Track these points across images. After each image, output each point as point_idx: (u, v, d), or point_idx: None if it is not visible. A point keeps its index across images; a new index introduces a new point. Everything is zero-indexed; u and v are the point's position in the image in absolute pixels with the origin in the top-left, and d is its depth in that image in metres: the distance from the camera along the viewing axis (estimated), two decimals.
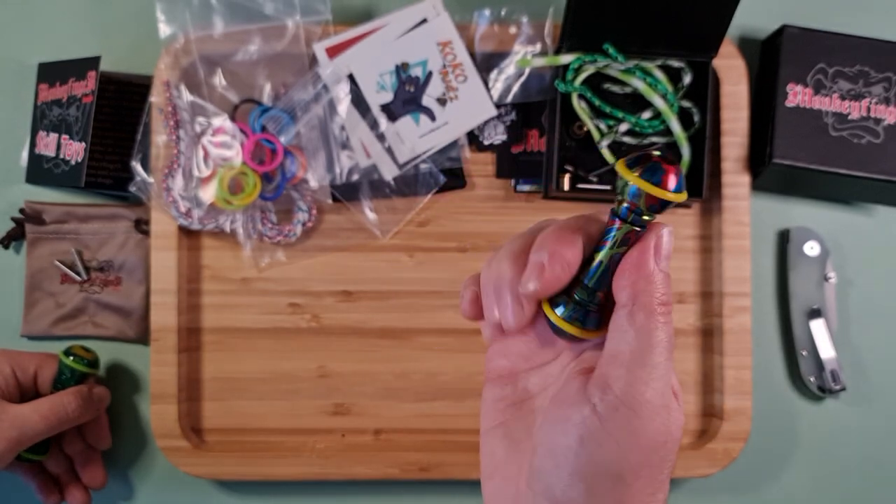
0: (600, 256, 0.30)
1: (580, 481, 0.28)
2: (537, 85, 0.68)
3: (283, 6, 0.66)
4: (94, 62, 0.66)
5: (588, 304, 0.31)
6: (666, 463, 0.29)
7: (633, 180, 0.29)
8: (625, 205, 0.29)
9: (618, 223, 0.30)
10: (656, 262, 0.29)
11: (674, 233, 0.30)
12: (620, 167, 0.29)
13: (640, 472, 0.28)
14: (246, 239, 0.67)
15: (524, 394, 0.33)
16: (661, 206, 0.29)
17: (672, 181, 0.28)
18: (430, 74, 0.67)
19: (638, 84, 0.65)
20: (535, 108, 0.68)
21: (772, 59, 0.67)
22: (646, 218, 0.29)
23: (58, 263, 0.70)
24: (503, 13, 0.68)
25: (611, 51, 0.64)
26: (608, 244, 0.30)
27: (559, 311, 0.31)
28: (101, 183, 0.67)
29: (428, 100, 0.67)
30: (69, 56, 0.68)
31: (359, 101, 0.67)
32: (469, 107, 0.67)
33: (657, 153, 0.29)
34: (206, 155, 0.66)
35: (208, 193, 0.66)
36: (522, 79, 0.68)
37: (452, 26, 0.67)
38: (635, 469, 0.28)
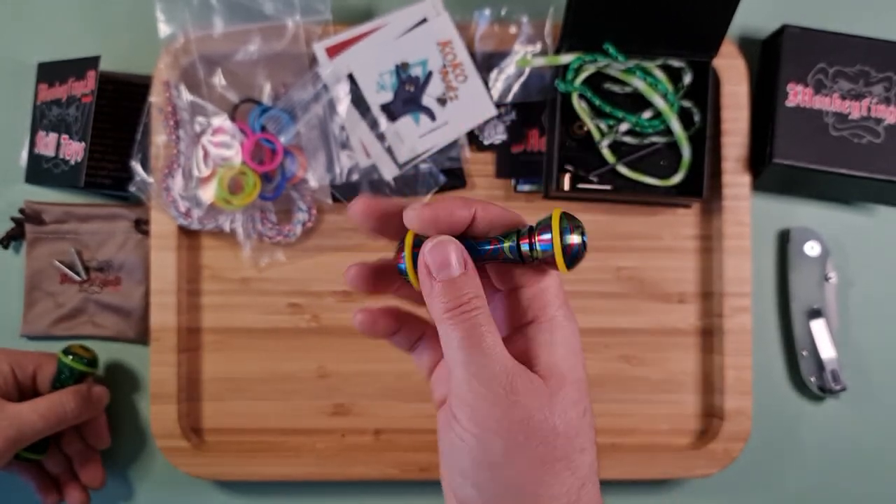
0: (479, 251, 0.32)
1: (464, 479, 0.30)
2: (537, 84, 0.68)
3: (282, 6, 0.66)
4: (93, 62, 0.66)
5: None
6: (553, 433, 0.30)
7: (556, 249, 0.30)
8: (533, 249, 0.31)
9: (511, 250, 0.32)
10: (430, 279, 0.31)
11: (442, 245, 0.31)
12: (556, 226, 0.31)
13: (515, 455, 0.29)
14: (246, 239, 0.67)
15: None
16: (541, 263, 0.31)
17: (576, 259, 0.31)
18: (430, 74, 0.67)
19: (638, 84, 0.65)
20: (535, 108, 0.68)
21: (772, 58, 0.67)
22: (531, 264, 0.32)
23: (57, 263, 0.69)
24: (503, 13, 0.67)
25: (611, 50, 0.64)
26: (490, 251, 0.32)
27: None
28: (101, 183, 0.67)
29: (428, 99, 0.67)
30: (69, 56, 0.68)
31: (359, 101, 0.67)
32: (469, 106, 0.67)
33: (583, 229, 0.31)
34: (206, 155, 0.66)
35: (208, 193, 0.66)
36: (522, 78, 0.68)
37: (452, 26, 0.67)
38: (506, 452, 0.29)
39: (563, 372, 0.31)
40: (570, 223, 0.30)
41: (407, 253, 0.32)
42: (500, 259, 0.32)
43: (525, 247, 0.31)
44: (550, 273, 0.33)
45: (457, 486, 0.31)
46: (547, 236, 0.30)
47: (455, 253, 0.31)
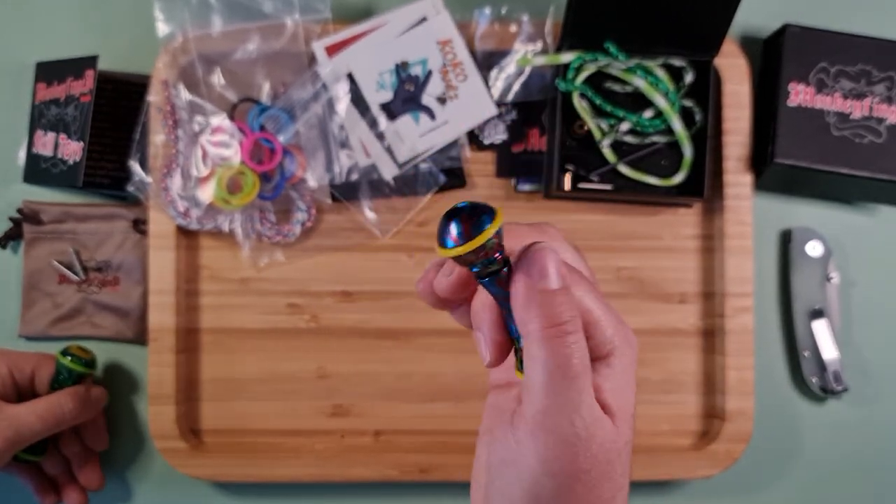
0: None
1: (506, 499, 0.29)
2: (538, 84, 0.67)
3: (282, 5, 0.66)
4: (92, 61, 0.66)
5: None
6: (606, 477, 0.28)
7: (439, 251, 0.28)
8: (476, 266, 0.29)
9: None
10: (529, 286, 0.28)
11: (553, 251, 0.28)
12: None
13: (565, 499, 0.28)
14: (244, 239, 0.67)
15: (515, 403, 0.32)
16: (476, 255, 0.28)
17: (450, 236, 0.27)
18: (429, 73, 0.67)
19: (639, 83, 0.65)
20: (535, 107, 0.68)
21: (774, 58, 0.67)
22: (484, 273, 0.29)
23: (56, 263, 0.69)
24: (503, 11, 0.67)
25: (612, 49, 0.64)
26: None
27: None
28: (99, 183, 0.67)
29: (428, 99, 0.67)
30: (67, 55, 0.68)
31: (358, 100, 0.67)
32: (469, 106, 0.67)
33: (456, 206, 0.28)
34: (205, 154, 0.66)
35: (207, 193, 0.65)
36: (523, 77, 0.67)
37: (452, 25, 0.67)
38: (562, 489, 0.28)
39: (624, 407, 0.30)
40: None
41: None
42: (493, 291, 0.30)
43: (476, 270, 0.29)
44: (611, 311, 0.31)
45: (493, 499, 0.30)
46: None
47: (555, 263, 0.28)
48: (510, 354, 0.32)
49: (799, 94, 0.65)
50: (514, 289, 0.28)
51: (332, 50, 0.66)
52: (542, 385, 0.27)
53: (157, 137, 0.67)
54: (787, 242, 0.70)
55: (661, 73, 0.65)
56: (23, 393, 0.63)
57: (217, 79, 0.67)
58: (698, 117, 0.66)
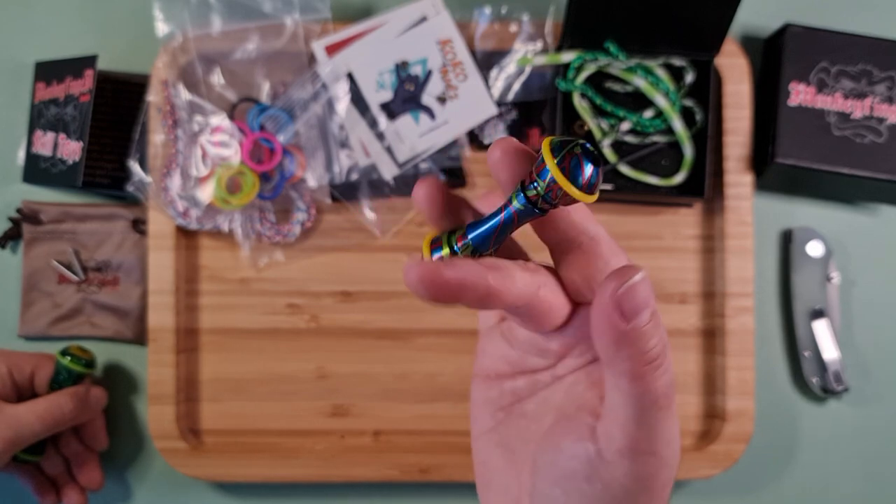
0: (491, 223, 0.28)
1: None
2: (538, 83, 0.67)
3: (281, 4, 0.66)
4: (91, 61, 0.66)
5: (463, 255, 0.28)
6: (668, 489, 0.29)
7: (551, 169, 0.26)
8: (535, 185, 0.27)
9: (519, 200, 0.27)
10: (625, 321, 0.25)
11: (647, 276, 0.26)
12: (546, 149, 0.26)
13: (655, 501, 0.28)
14: (244, 239, 0.67)
15: (512, 397, 0.32)
16: (568, 201, 0.26)
17: (585, 177, 0.25)
18: (429, 73, 0.67)
19: (640, 82, 0.65)
20: (536, 107, 0.68)
21: (774, 57, 0.67)
22: (546, 207, 0.27)
23: (55, 263, 0.69)
24: (504, 11, 0.67)
25: (612, 49, 0.64)
26: (503, 217, 0.28)
27: (434, 255, 0.28)
28: (99, 182, 0.67)
29: (428, 98, 0.67)
30: (66, 55, 0.68)
31: (358, 100, 0.67)
32: (469, 106, 0.67)
33: (586, 145, 0.26)
34: (205, 154, 0.65)
35: (206, 193, 0.65)
36: (523, 77, 0.67)
37: (452, 24, 0.67)
38: (651, 500, 0.28)
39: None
40: (564, 141, 0.26)
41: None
42: (516, 222, 0.28)
43: (531, 189, 0.27)
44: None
45: (554, 498, 0.29)
46: (542, 164, 0.26)
47: (648, 294, 0.26)
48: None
49: (799, 94, 0.65)
50: (600, 321, 0.26)
51: (332, 50, 0.66)
52: (634, 419, 0.26)
53: (157, 137, 0.66)
54: (787, 242, 0.70)
55: (662, 73, 0.65)
56: (22, 393, 0.63)
57: (217, 79, 0.66)
58: (699, 117, 0.66)
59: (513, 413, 0.31)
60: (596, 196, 0.26)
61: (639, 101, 0.66)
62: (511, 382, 0.32)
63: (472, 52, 0.67)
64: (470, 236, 0.28)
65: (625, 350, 0.25)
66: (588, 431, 0.28)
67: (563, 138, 0.26)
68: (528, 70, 0.67)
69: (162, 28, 0.66)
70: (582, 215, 0.29)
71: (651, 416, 0.26)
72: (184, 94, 0.66)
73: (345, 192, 0.67)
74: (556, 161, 0.26)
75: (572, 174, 0.26)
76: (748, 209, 0.67)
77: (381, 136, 0.67)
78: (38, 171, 0.69)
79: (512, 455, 0.31)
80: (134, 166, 0.66)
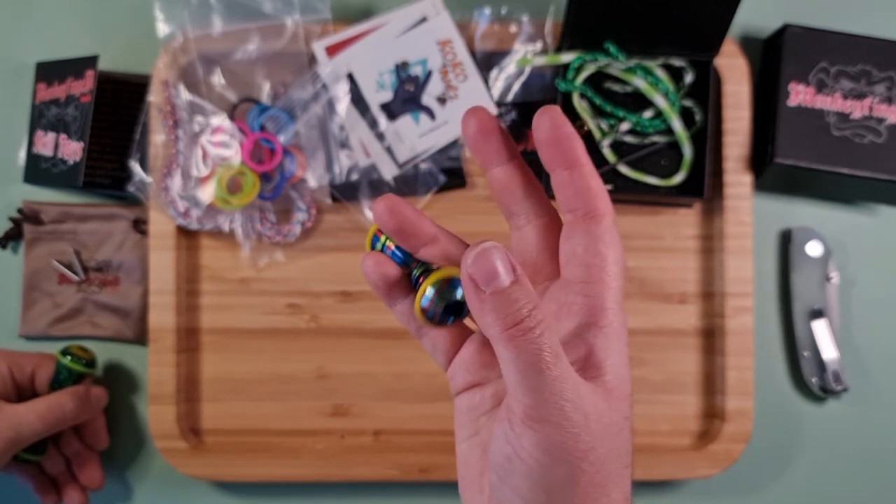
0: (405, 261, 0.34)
1: (517, 496, 0.28)
2: (538, 84, 0.67)
3: (282, 5, 0.66)
4: (92, 61, 0.66)
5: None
6: (598, 464, 0.28)
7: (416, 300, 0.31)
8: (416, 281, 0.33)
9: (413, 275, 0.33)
10: (478, 294, 0.27)
11: (498, 248, 0.28)
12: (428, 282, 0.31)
13: (577, 483, 0.28)
14: (245, 239, 0.67)
15: (494, 400, 0.32)
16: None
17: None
18: (429, 73, 0.67)
19: (639, 83, 0.65)
20: (535, 108, 0.68)
21: (774, 58, 0.67)
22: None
23: (56, 263, 0.69)
24: (503, 12, 0.67)
25: (612, 49, 0.64)
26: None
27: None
28: (100, 183, 0.67)
29: (428, 99, 0.67)
30: (67, 55, 0.68)
31: (358, 100, 0.67)
32: (469, 106, 0.67)
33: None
34: (205, 154, 0.66)
35: (207, 193, 0.65)
36: (523, 78, 0.67)
37: (452, 25, 0.67)
38: (573, 471, 0.28)
39: (623, 385, 0.30)
40: (441, 289, 0.31)
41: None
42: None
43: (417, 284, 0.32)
44: (612, 274, 0.32)
45: (503, 497, 0.29)
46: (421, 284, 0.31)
47: (501, 259, 0.27)
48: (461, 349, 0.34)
49: (799, 94, 0.65)
50: (466, 295, 0.28)
51: (332, 50, 0.66)
52: (519, 384, 0.27)
53: (157, 137, 0.67)
54: (787, 242, 0.70)
55: (661, 73, 0.65)
56: (23, 393, 0.63)
57: (217, 79, 0.67)
58: (698, 117, 0.66)
59: (494, 416, 0.32)
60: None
61: (638, 101, 0.66)
62: (490, 387, 0.33)
63: (472, 53, 0.67)
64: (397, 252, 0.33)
65: (490, 315, 0.27)
66: (502, 413, 0.29)
67: (441, 284, 0.31)
68: (527, 70, 0.67)
69: (162, 28, 0.66)
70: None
71: (533, 379, 0.27)
72: (184, 95, 0.66)
73: (345, 193, 0.68)
74: (419, 301, 0.31)
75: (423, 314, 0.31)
76: (747, 209, 0.67)
77: (381, 137, 0.67)
78: (38, 171, 0.69)
79: (486, 455, 0.31)
80: (134, 166, 0.66)
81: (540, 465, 0.27)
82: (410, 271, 0.33)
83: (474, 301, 0.27)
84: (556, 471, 0.27)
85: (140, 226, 0.69)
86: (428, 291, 0.30)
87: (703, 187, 0.65)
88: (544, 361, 0.27)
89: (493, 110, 0.67)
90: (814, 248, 0.69)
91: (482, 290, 0.27)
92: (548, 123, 0.32)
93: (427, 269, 0.32)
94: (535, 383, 0.27)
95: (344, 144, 0.67)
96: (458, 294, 0.30)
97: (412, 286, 0.33)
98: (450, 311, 0.31)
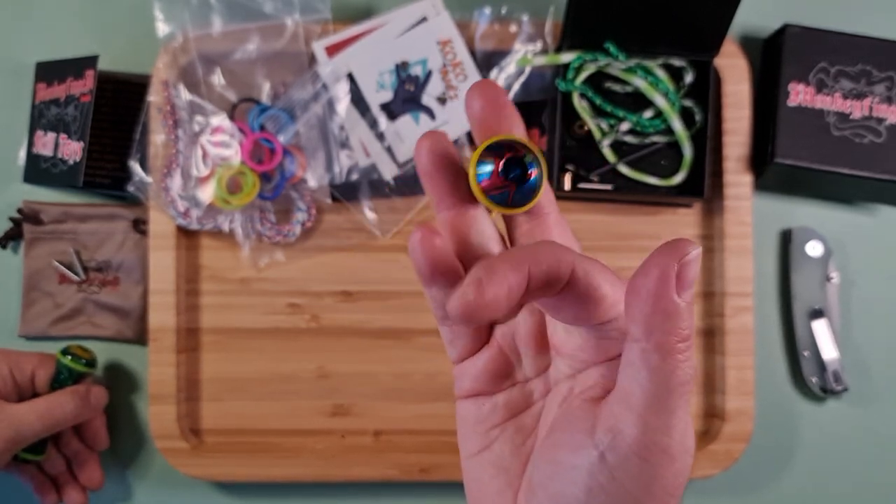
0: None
1: None
2: (538, 84, 0.67)
3: (282, 5, 0.66)
4: (92, 61, 0.66)
5: None
6: (678, 497, 0.26)
7: (470, 171, 0.26)
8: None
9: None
10: (678, 293, 0.23)
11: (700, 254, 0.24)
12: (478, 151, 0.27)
13: None
14: (245, 239, 0.67)
15: (507, 411, 0.30)
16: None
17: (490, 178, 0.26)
18: (430, 73, 0.67)
19: (639, 83, 0.65)
20: (535, 107, 0.68)
21: (774, 58, 0.67)
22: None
23: (56, 263, 0.69)
24: (503, 11, 0.67)
25: (612, 49, 0.64)
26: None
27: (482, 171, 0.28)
28: (100, 183, 0.67)
29: (428, 99, 0.67)
30: (67, 55, 0.68)
31: (358, 100, 0.67)
32: None
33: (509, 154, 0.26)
34: (205, 154, 0.66)
35: (207, 193, 0.65)
36: (523, 78, 0.67)
37: (452, 25, 0.67)
38: None
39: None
40: (495, 150, 0.26)
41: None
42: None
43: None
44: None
45: None
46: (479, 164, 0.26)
47: (696, 272, 0.24)
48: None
49: (799, 94, 0.65)
50: (644, 290, 0.24)
51: (332, 50, 0.66)
52: (654, 400, 0.24)
53: (157, 137, 0.66)
54: (787, 242, 0.70)
55: (661, 73, 0.65)
56: (23, 392, 0.63)
57: (217, 79, 0.67)
58: (698, 117, 0.66)
59: (507, 429, 0.29)
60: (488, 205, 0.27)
61: (638, 101, 0.66)
62: (505, 395, 0.30)
63: (472, 53, 0.67)
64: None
65: (666, 323, 0.24)
66: (587, 438, 0.25)
67: (505, 145, 0.27)
68: (527, 70, 0.67)
69: (162, 28, 0.66)
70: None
71: (671, 400, 0.24)
72: (184, 95, 0.66)
73: (345, 192, 0.68)
74: (475, 171, 0.26)
75: (484, 187, 0.27)
76: (747, 209, 0.67)
77: (381, 137, 0.67)
78: (38, 171, 0.69)
79: (506, 474, 0.29)
80: (134, 166, 0.66)
81: (631, 497, 0.25)
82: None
83: (658, 302, 0.24)
84: (627, 500, 0.25)
85: (140, 226, 0.69)
86: (480, 157, 0.26)
87: (703, 187, 0.65)
88: (686, 388, 0.25)
89: None
90: (814, 248, 0.69)
91: (676, 293, 0.24)
92: (479, 101, 0.28)
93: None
94: (671, 405, 0.24)
95: (344, 144, 0.67)
96: (507, 145, 0.26)
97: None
98: (513, 182, 0.26)
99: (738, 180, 0.67)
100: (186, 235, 0.68)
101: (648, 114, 0.66)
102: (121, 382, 0.70)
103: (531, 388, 0.30)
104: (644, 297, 0.24)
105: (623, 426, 0.24)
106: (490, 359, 0.30)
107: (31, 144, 0.70)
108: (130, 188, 0.66)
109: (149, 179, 0.66)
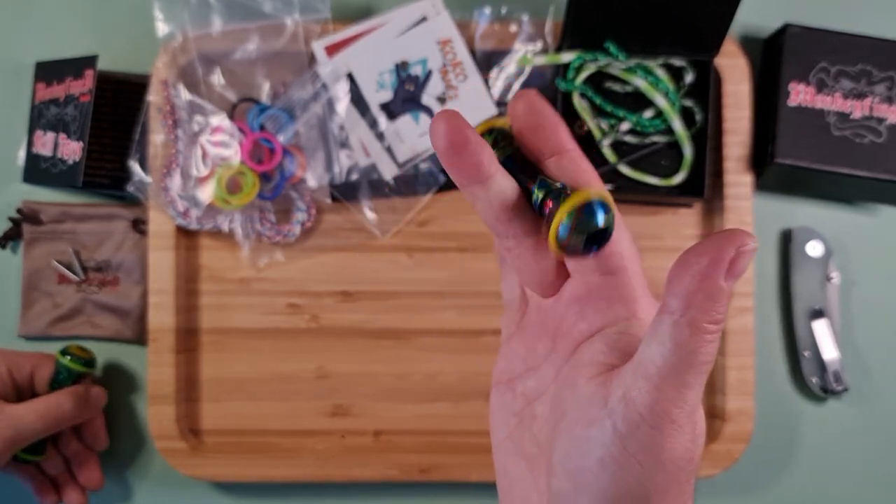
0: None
1: (591, 496, 0.26)
2: (538, 83, 0.67)
3: (281, 4, 0.66)
4: (91, 61, 0.66)
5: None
6: (691, 479, 0.27)
7: (551, 229, 0.27)
8: (541, 211, 0.28)
9: (534, 198, 0.29)
10: (726, 279, 0.24)
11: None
12: (567, 205, 0.27)
13: (667, 493, 0.26)
14: (244, 239, 0.67)
15: (524, 401, 0.31)
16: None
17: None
18: (429, 73, 0.67)
19: (639, 83, 0.65)
20: None
21: (774, 57, 0.67)
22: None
23: (55, 263, 0.69)
24: (503, 11, 0.67)
25: (612, 49, 0.64)
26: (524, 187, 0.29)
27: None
28: (99, 182, 0.67)
29: (428, 98, 0.67)
30: (66, 55, 0.68)
31: (358, 100, 0.67)
32: (469, 106, 0.67)
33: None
34: (205, 154, 0.65)
35: (206, 193, 0.65)
36: (523, 77, 0.67)
37: (452, 24, 0.67)
38: (661, 490, 0.26)
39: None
40: (579, 217, 0.26)
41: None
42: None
43: (544, 210, 0.28)
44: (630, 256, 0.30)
45: (565, 495, 0.27)
46: (554, 213, 0.27)
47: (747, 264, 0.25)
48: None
49: (799, 94, 0.65)
50: (711, 267, 0.25)
51: (332, 50, 0.66)
52: (672, 369, 0.25)
53: (157, 137, 0.66)
54: (787, 242, 0.70)
55: (662, 73, 0.65)
56: (22, 393, 0.63)
57: (217, 78, 0.67)
58: (698, 117, 0.66)
59: (524, 417, 0.30)
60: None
61: (639, 101, 0.66)
62: (522, 384, 0.31)
63: (472, 52, 0.67)
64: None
65: (706, 303, 0.24)
66: (600, 410, 0.26)
67: (587, 210, 0.27)
68: (527, 70, 0.67)
69: (162, 28, 0.66)
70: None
71: (689, 375, 0.25)
72: (184, 94, 0.66)
73: (345, 192, 0.67)
74: (556, 230, 0.27)
75: (562, 245, 0.27)
76: (748, 209, 0.67)
77: (381, 136, 0.67)
78: (38, 171, 0.69)
79: (529, 462, 0.30)
80: (134, 166, 0.66)
81: (643, 469, 0.25)
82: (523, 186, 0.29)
83: (717, 280, 0.24)
84: (657, 478, 0.26)
85: (139, 226, 0.69)
86: (566, 220, 0.26)
87: (704, 187, 0.65)
88: (705, 367, 0.25)
89: (493, 110, 0.67)
90: (814, 248, 0.69)
91: (726, 278, 0.24)
92: (525, 108, 0.28)
93: (550, 190, 0.28)
94: (689, 378, 0.25)
95: (344, 144, 0.67)
96: (600, 220, 0.27)
97: (531, 205, 0.29)
98: (592, 241, 0.27)
99: (738, 180, 0.67)
100: (186, 235, 0.68)
101: (648, 114, 0.66)
102: (120, 383, 0.70)
103: (543, 374, 0.31)
104: (692, 273, 0.25)
105: (636, 394, 0.25)
106: (521, 336, 0.31)
107: (30, 144, 0.69)
108: (130, 188, 0.66)
109: (148, 179, 0.66)
